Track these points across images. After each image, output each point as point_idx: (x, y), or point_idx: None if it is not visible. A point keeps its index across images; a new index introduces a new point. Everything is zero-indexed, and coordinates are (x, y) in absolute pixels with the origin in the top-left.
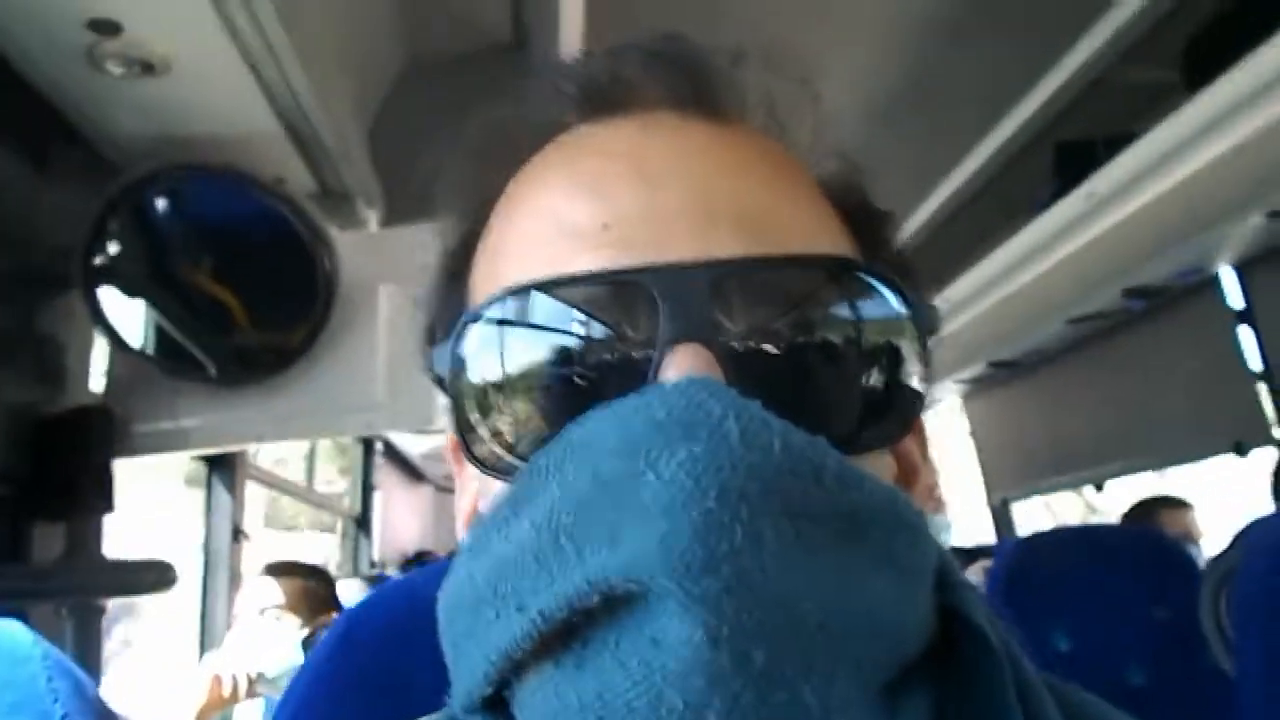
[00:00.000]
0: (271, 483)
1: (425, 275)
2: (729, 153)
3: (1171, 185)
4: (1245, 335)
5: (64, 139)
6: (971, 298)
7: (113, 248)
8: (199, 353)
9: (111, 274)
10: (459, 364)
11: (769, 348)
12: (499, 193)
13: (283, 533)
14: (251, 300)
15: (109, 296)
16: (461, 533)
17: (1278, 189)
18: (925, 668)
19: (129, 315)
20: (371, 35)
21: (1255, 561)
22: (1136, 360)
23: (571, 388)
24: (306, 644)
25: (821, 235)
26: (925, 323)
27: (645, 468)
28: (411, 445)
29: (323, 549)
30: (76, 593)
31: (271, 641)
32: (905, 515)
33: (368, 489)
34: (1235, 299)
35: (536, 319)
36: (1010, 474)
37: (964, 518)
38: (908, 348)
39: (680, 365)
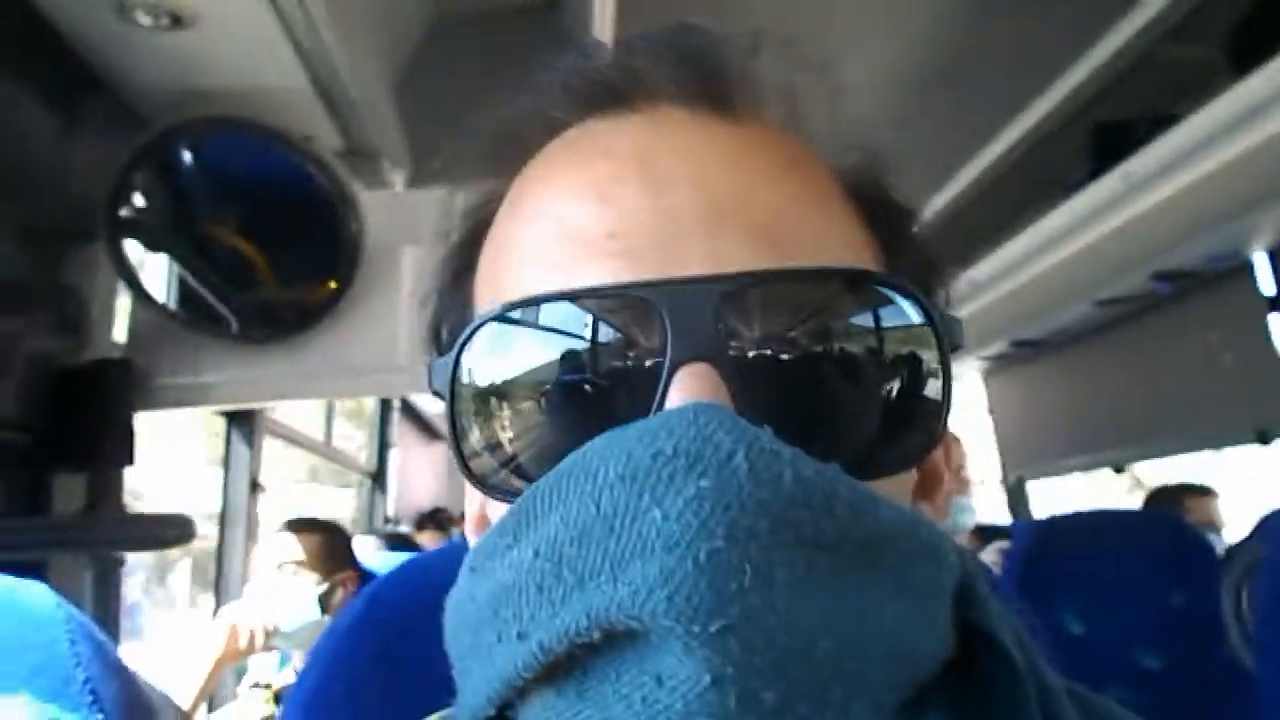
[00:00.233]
0: (290, 437)
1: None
2: (741, 153)
3: (1210, 169)
4: (1275, 322)
5: (91, 90)
6: (999, 275)
7: (138, 200)
8: (221, 308)
9: (136, 226)
10: (461, 376)
11: (780, 366)
12: (504, 189)
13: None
14: (275, 257)
15: (133, 249)
16: (470, 534)
17: None
18: (944, 684)
19: (152, 269)
20: None
21: (1278, 551)
22: (1162, 344)
23: (577, 401)
24: (323, 600)
25: (838, 241)
26: (947, 335)
27: (651, 503)
28: (429, 403)
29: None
30: (97, 545)
31: (288, 597)
32: (924, 537)
33: (384, 446)
34: (1267, 286)
35: (539, 334)
36: (1027, 453)
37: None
38: (928, 363)
39: (687, 387)
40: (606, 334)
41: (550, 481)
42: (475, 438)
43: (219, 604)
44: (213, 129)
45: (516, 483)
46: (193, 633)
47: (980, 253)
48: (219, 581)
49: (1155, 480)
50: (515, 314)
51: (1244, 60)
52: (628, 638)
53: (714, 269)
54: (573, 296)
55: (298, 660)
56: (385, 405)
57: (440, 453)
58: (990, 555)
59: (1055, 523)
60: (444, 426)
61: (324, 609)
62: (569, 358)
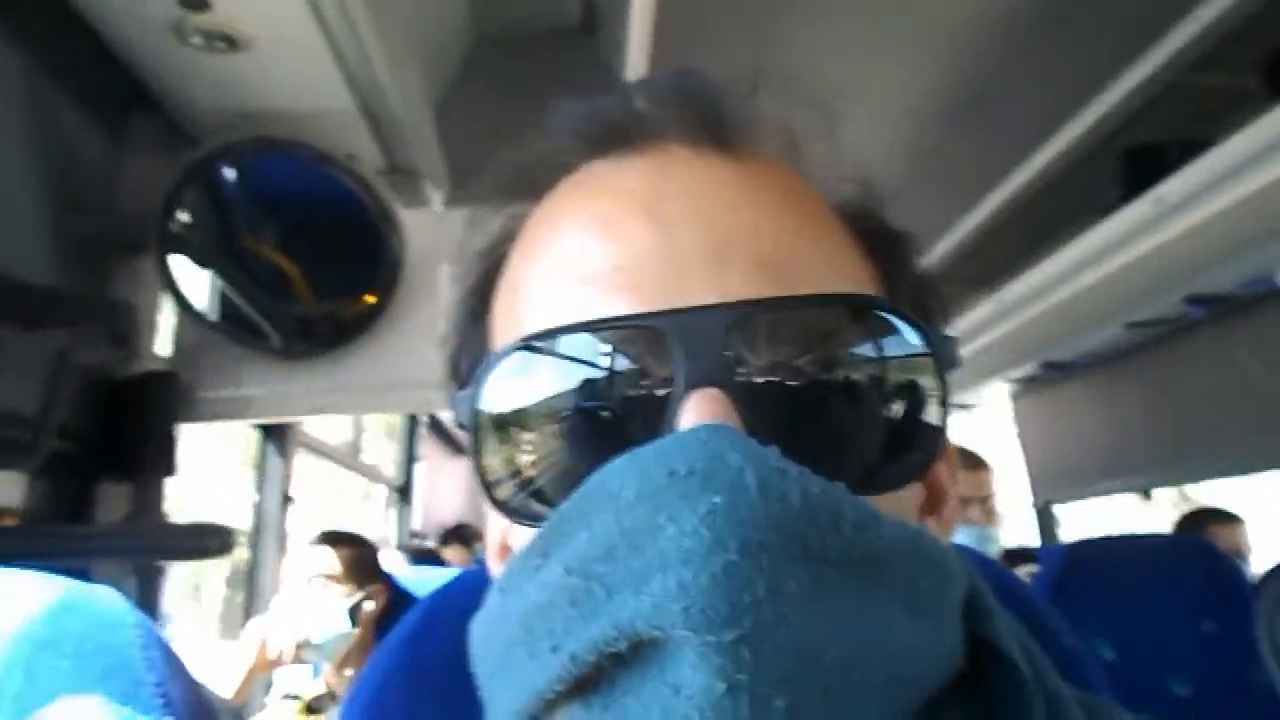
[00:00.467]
0: (321, 451)
1: None
2: (744, 189)
3: (1243, 194)
4: None
5: (141, 108)
6: (1030, 297)
7: (187, 217)
8: (263, 323)
9: (184, 242)
10: (481, 409)
11: (786, 390)
12: (515, 229)
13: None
14: (316, 273)
15: (179, 264)
16: (491, 561)
17: None
18: (952, 697)
19: (197, 283)
20: (443, 15)
21: None
22: (1193, 368)
23: (592, 429)
24: (353, 612)
25: (839, 270)
26: (945, 357)
27: (666, 521)
28: (453, 419)
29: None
30: (141, 554)
31: (319, 609)
32: (928, 553)
33: (411, 461)
34: None
35: (554, 365)
36: (1056, 477)
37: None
38: (927, 384)
39: (697, 410)
40: (619, 363)
41: (575, 502)
42: (497, 465)
43: (251, 615)
44: (262, 149)
45: (537, 507)
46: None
47: (1011, 275)
48: (251, 592)
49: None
50: (531, 347)
51: (1278, 86)
52: (652, 649)
53: (720, 299)
54: (586, 328)
55: (328, 672)
56: (412, 421)
57: (465, 469)
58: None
59: (1084, 546)
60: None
61: (354, 621)
62: (584, 387)
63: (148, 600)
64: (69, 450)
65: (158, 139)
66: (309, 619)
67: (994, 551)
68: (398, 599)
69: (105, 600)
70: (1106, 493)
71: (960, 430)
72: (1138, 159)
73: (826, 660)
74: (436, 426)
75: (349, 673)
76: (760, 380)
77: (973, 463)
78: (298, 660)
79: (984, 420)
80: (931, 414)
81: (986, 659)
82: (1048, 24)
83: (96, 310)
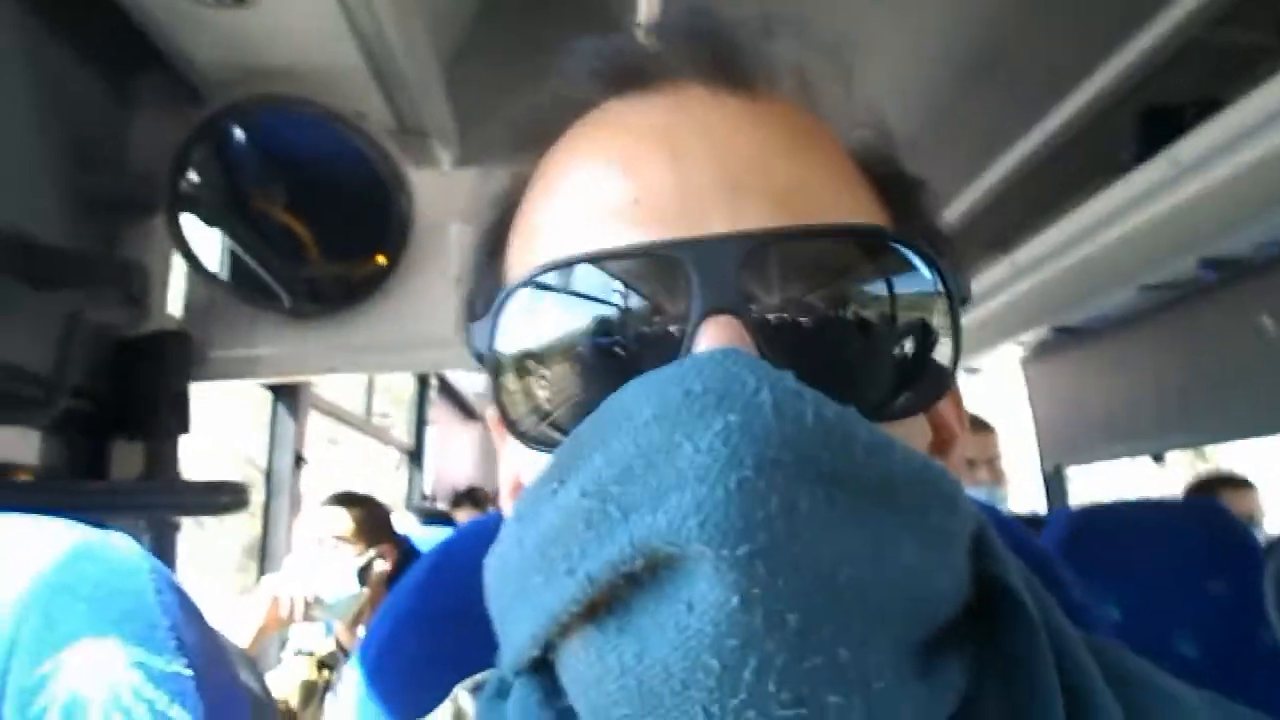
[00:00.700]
0: (332, 413)
1: None
2: (758, 126)
3: (1259, 155)
4: None
5: (148, 64)
6: (1042, 260)
7: (195, 175)
8: (273, 282)
9: (195, 201)
10: (498, 338)
11: (800, 318)
12: (531, 172)
13: None
14: (323, 234)
15: (190, 223)
16: (505, 502)
17: None
18: (962, 631)
19: (207, 243)
20: None
21: None
22: (1207, 331)
23: (608, 359)
24: (362, 572)
25: (851, 205)
26: (957, 292)
27: (682, 438)
28: (465, 383)
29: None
30: (156, 509)
31: (329, 569)
32: (938, 483)
33: (421, 423)
34: None
35: (572, 292)
36: (1066, 441)
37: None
38: (939, 318)
39: (713, 336)
40: (636, 291)
41: (591, 424)
42: (516, 393)
43: (263, 572)
44: (271, 106)
45: (555, 435)
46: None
47: (1024, 237)
48: (264, 550)
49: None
50: (550, 275)
51: None
52: (666, 569)
53: (736, 230)
54: (603, 257)
55: (339, 629)
56: (423, 384)
57: (477, 432)
58: None
59: (1092, 511)
60: (481, 402)
61: (364, 580)
62: (602, 314)
63: (162, 557)
64: (82, 409)
65: (165, 96)
66: (320, 578)
67: (1002, 509)
68: (409, 559)
69: (121, 547)
70: (1117, 456)
71: (967, 395)
72: (1154, 119)
73: (839, 579)
74: (447, 390)
75: (361, 631)
76: (774, 309)
77: (978, 425)
78: (309, 618)
79: (991, 387)
80: (943, 347)
81: (994, 597)
82: None
83: (109, 270)
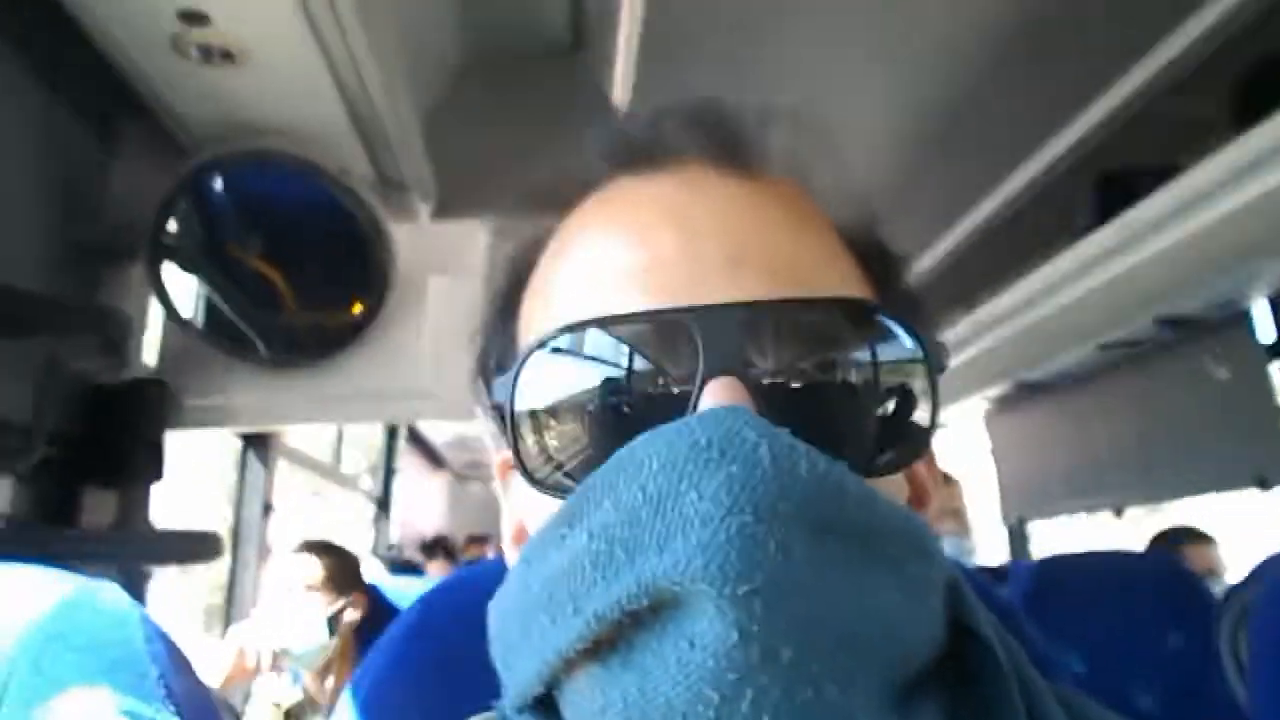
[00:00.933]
0: (302, 461)
1: (475, 268)
2: (758, 205)
3: (1210, 220)
4: (1275, 370)
5: (133, 117)
6: (1004, 317)
7: (179, 226)
8: (249, 331)
9: (172, 250)
10: (520, 391)
11: (795, 381)
12: (545, 237)
13: None
14: (299, 283)
15: (169, 273)
16: (508, 549)
17: None
18: (938, 676)
19: (184, 291)
20: (434, 31)
21: (1273, 594)
22: (1163, 388)
23: (619, 415)
24: (332, 621)
25: (842, 280)
26: (936, 360)
27: (689, 487)
28: (434, 432)
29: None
30: (128, 559)
31: (299, 618)
32: (918, 535)
33: (389, 472)
34: (1266, 333)
35: (589, 352)
36: (1028, 495)
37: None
38: (919, 383)
39: (716, 395)
40: (645, 352)
41: (601, 474)
42: (532, 443)
43: (230, 622)
44: (258, 161)
45: (568, 483)
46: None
47: (986, 295)
48: (230, 600)
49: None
50: (571, 335)
51: (1244, 116)
52: (669, 609)
53: (738, 299)
54: (619, 320)
55: (308, 679)
56: (392, 433)
57: (444, 481)
58: None
59: (1054, 563)
60: (448, 454)
61: (333, 630)
62: (614, 372)
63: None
64: (55, 456)
65: (148, 148)
66: (289, 628)
67: (971, 561)
68: (378, 608)
69: (111, 596)
70: (1078, 510)
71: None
72: (1109, 184)
73: (829, 620)
74: (416, 439)
75: (330, 681)
76: (771, 371)
77: (944, 477)
78: (276, 668)
79: (954, 441)
80: (922, 410)
81: (966, 644)
82: (1022, 51)
83: (88, 317)
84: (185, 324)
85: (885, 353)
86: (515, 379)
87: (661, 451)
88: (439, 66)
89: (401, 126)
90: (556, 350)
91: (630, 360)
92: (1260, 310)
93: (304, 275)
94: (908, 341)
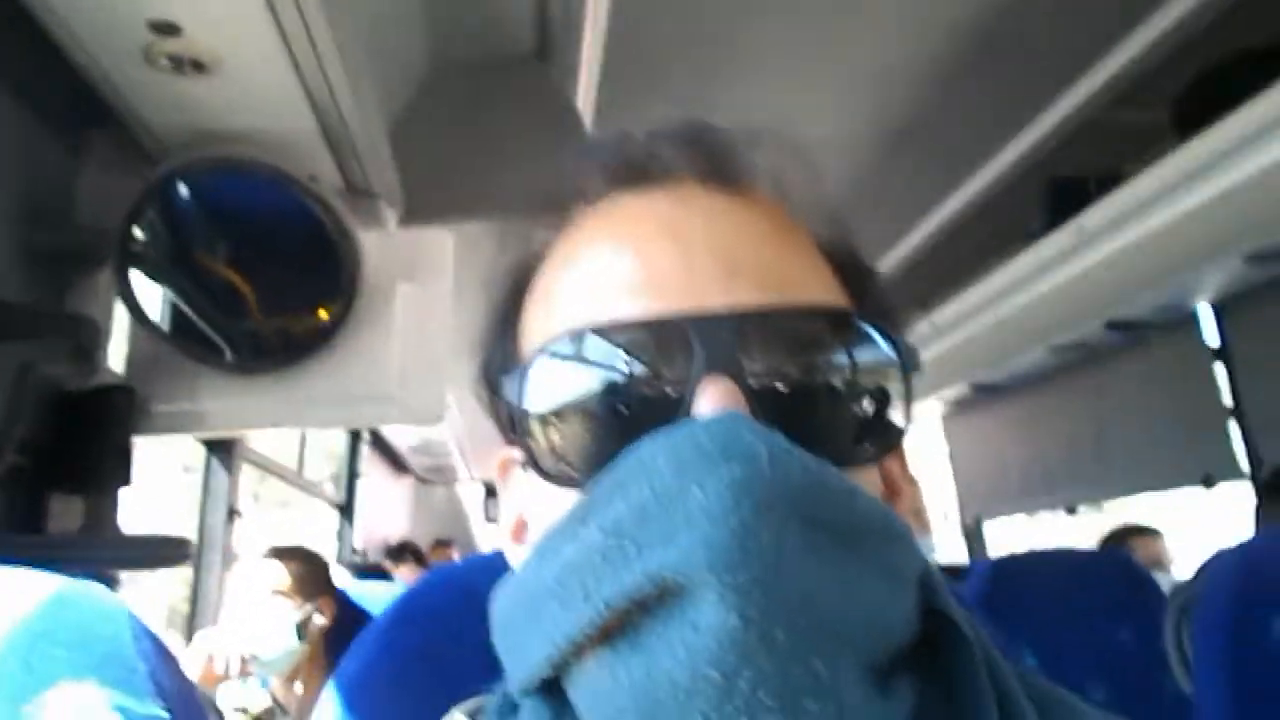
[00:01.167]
0: (266, 466)
1: (442, 274)
2: (747, 219)
3: (1157, 225)
4: (1219, 372)
5: (101, 125)
6: (959, 320)
7: (145, 232)
8: (216, 337)
9: (140, 256)
10: (528, 393)
11: (784, 381)
12: (547, 248)
13: None
14: (273, 290)
15: (137, 279)
16: (506, 542)
17: (1256, 234)
18: (912, 656)
19: (151, 298)
20: (401, 39)
21: (1215, 590)
22: (1114, 390)
23: (621, 414)
24: (301, 626)
25: (824, 288)
26: (909, 362)
27: (694, 486)
28: (398, 437)
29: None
30: (95, 564)
31: (267, 624)
32: (895, 527)
33: (353, 477)
34: (1211, 336)
35: (593, 356)
36: (984, 494)
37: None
38: (895, 384)
39: (713, 397)
40: (646, 355)
41: (611, 474)
42: (541, 439)
43: (194, 628)
44: (227, 169)
45: (574, 475)
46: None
47: (942, 298)
48: (194, 606)
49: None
50: (576, 339)
51: (1187, 125)
52: (674, 597)
53: (732, 306)
54: (622, 326)
55: (276, 685)
56: (355, 438)
57: (407, 487)
58: None
59: (1009, 561)
60: (412, 459)
61: (301, 636)
62: (617, 374)
63: None
64: (22, 463)
65: (116, 155)
66: (257, 634)
67: (931, 559)
68: (347, 613)
69: (98, 594)
70: (1032, 509)
71: None
72: (1060, 190)
73: (818, 605)
74: (380, 444)
75: (298, 686)
76: (762, 373)
77: None
78: (244, 674)
79: (911, 442)
80: (898, 407)
81: (938, 626)
82: (973, 64)
83: (59, 324)
84: (154, 330)
85: (865, 357)
86: (525, 381)
87: (668, 453)
88: (406, 75)
89: (369, 134)
90: (564, 354)
91: (631, 363)
92: (1205, 314)
93: (271, 282)
94: (885, 346)
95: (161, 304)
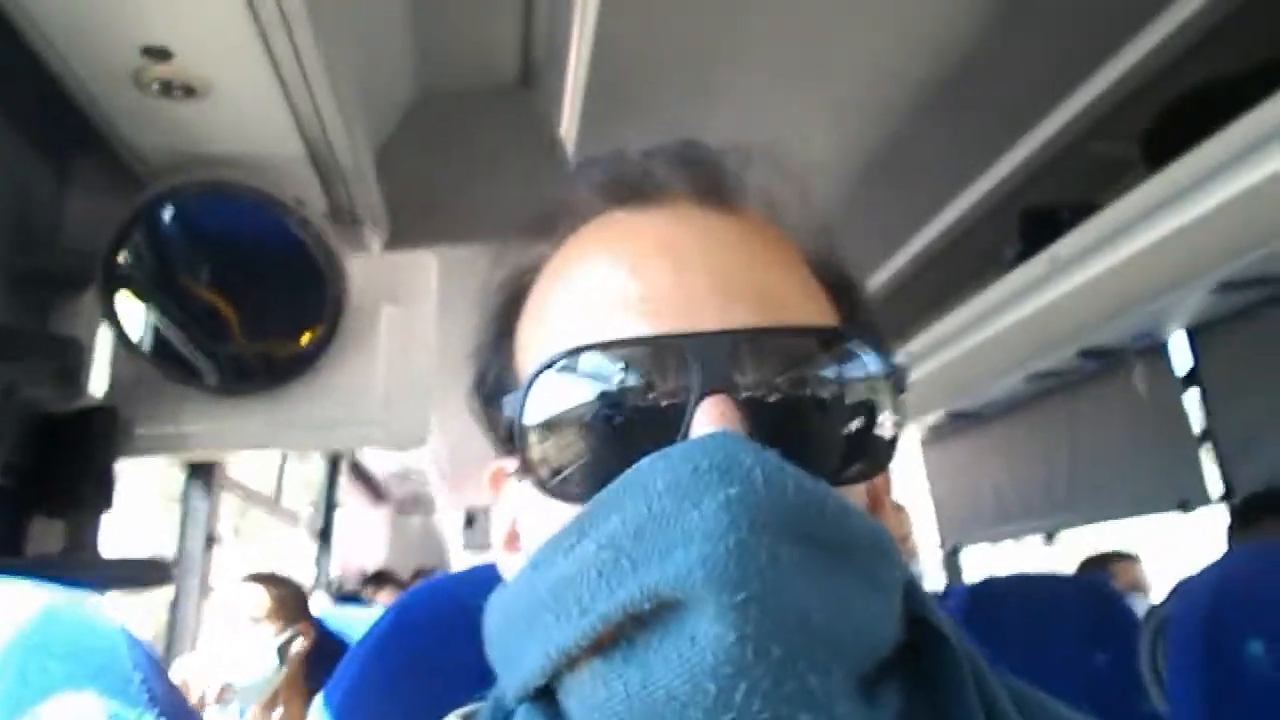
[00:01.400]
0: (244, 493)
1: (426, 297)
2: (741, 238)
3: (1129, 255)
4: (1191, 398)
5: (88, 148)
6: (935, 349)
7: (131, 255)
8: (199, 359)
9: (126, 279)
10: (528, 407)
11: (778, 399)
12: (542, 263)
13: None
14: (257, 313)
15: (122, 301)
16: (498, 551)
17: (1227, 262)
18: (897, 664)
19: (134, 320)
20: (388, 66)
21: (1189, 612)
22: (1089, 417)
23: (620, 429)
24: (281, 652)
25: (816, 307)
26: (898, 381)
27: (691, 506)
28: (377, 464)
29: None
30: (76, 586)
31: (245, 651)
32: (884, 543)
33: (330, 505)
34: (1184, 363)
35: (593, 372)
36: (962, 521)
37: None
38: (884, 401)
39: (709, 414)
40: (643, 372)
41: (610, 491)
42: (539, 454)
43: (171, 656)
44: (216, 193)
45: (572, 489)
46: None
47: (918, 326)
48: (172, 632)
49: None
50: (576, 357)
51: (1157, 156)
52: (669, 611)
53: (727, 326)
54: (621, 344)
55: (254, 712)
56: (333, 465)
57: (384, 516)
58: None
59: (987, 586)
60: (391, 486)
61: (282, 660)
62: (615, 390)
63: None
64: (3, 485)
65: (102, 178)
66: (235, 660)
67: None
68: (325, 639)
69: (93, 607)
70: (1009, 536)
71: None
72: (1034, 219)
73: (812, 620)
74: (358, 472)
75: (277, 713)
76: (758, 392)
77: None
78: (222, 701)
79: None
80: (888, 425)
81: (922, 635)
82: (948, 96)
83: (42, 346)
84: (137, 352)
85: (857, 375)
86: (525, 396)
87: (666, 473)
88: (392, 102)
89: (356, 160)
90: (563, 370)
91: (629, 380)
92: (1178, 341)
93: (255, 305)
94: (876, 365)
95: (145, 327)
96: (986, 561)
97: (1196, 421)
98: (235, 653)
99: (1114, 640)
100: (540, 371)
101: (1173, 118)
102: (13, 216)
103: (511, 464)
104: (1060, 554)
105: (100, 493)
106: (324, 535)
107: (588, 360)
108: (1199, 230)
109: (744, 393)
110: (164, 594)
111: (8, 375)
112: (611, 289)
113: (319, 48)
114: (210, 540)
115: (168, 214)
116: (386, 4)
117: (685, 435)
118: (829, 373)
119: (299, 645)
